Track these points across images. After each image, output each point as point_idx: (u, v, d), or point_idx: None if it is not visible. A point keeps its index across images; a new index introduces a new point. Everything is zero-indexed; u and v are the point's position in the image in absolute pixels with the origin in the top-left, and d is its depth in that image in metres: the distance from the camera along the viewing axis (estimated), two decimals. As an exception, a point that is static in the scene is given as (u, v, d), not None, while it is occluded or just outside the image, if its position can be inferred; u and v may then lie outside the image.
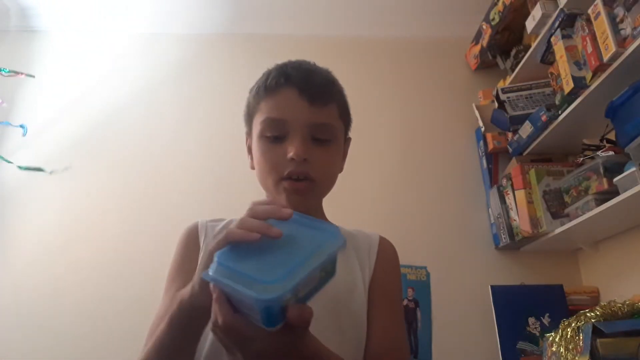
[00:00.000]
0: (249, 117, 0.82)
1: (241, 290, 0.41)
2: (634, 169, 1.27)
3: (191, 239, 0.82)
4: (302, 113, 0.74)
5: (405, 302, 1.77)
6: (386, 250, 0.89)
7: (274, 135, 0.74)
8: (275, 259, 0.45)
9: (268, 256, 0.45)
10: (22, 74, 2.03)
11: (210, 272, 0.44)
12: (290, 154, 0.71)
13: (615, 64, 1.31)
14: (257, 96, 0.79)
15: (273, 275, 0.42)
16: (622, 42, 1.30)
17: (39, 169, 1.98)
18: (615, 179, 1.34)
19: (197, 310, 0.53)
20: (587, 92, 1.45)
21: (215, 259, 0.45)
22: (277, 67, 0.80)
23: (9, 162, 1.96)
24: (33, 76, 2.12)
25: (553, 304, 1.72)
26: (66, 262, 1.89)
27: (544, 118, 1.67)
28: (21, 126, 1.99)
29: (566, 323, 1.18)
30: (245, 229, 0.47)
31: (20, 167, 1.98)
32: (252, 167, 0.82)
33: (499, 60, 2.15)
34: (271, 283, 0.41)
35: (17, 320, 1.79)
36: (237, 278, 0.42)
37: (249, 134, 0.84)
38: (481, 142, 2.08)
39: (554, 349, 1.20)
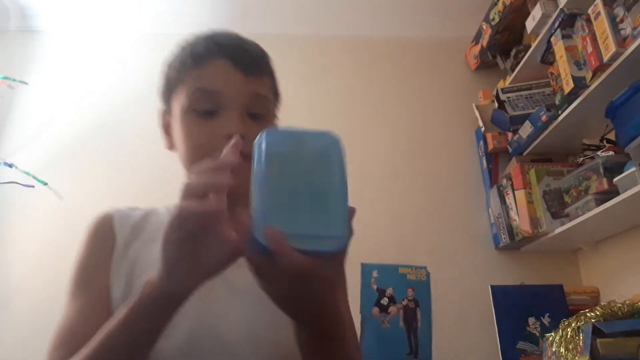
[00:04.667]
0: (168, 92, 0.73)
1: (314, 248, 0.41)
2: (634, 169, 1.27)
3: (103, 228, 0.71)
4: (238, 85, 0.66)
5: (405, 302, 1.77)
6: None
7: (205, 110, 0.66)
8: (312, 197, 0.42)
9: (304, 198, 0.42)
10: (13, 81, 2.00)
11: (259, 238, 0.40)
12: (227, 131, 0.62)
13: (615, 64, 1.31)
14: (182, 67, 0.70)
15: (335, 227, 0.41)
16: (622, 42, 1.30)
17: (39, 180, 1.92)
18: (615, 179, 1.34)
19: (168, 301, 0.48)
20: (587, 92, 1.45)
21: (258, 225, 0.40)
22: (204, 37, 0.72)
23: (43, 182, 1.90)
24: (26, 83, 2.10)
25: (553, 304, 1.72)
26: (66, 263, 1.89)
27: (544, 118, 1.67)
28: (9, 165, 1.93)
29: (566, 323, 1.18)
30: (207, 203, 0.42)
31: (25, 173, 1.93)
32: (170, 147, 0.74)
33: (499, 60, 2.15)
34: (338, 237, 0.41)
35: (17, 320, 1.79)
36: (295, 239, 0.40)
37: (166, 111, 0.75)
38: (481, 142, 2.08)
39: (554, 349, 1.20)
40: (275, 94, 0.76)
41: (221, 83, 0.66)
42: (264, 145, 0.43)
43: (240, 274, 0.61)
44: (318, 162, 0.43)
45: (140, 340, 0.49)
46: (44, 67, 2.29)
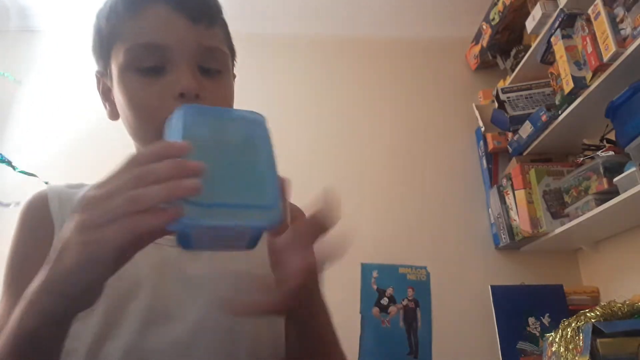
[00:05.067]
0: (103, 50, 0.60)
1: (245, 224, 0.37)
2: (634, 169, 1.27)
3: (37, 213, 0.61)
4: (186, 35, 0.56)
5: (405, 302, 1.77)
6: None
7: (149, 67, 0.55)
8: (237, 174, 0.39)
9: (227, 174, 0.38)
10: (6, 77, 1.99)
11: (184, 218, 0.35)
12: (179, 89, 0.53)
13: (615, 64, 1.31)
14: (114, 18, 0.58)
15: (264, 196, 0.38)
16: (622, 42, 1.30)
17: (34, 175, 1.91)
18: (615, 179, 1.34)
19: (71, 296, 0.38)
20: (587, 92, 1.45)
21: (184, 203, 0.35)
22: None
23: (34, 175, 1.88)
24: (19, 82, 2.09)
25: (553, 304, 1.72)
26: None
27: (544, 118, 1.68)
28: (9, 163, 1.92)
29: (566, 323, 1.18)
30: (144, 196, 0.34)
31: (21, 171, 1.93)
32: (113, 117, 0.64)
33: (499, 60, 2.15)
34: (269, 207, 0.38)
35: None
36: (221, 212, 0.36)
37: (102, 73, 0.63)
38: (481, 142, 2.08)
39: (554, 349, 1.20)
40: (231, 47, 0.66)
41: (164, 34, 0.55)
42: (180, 125, 0.39)
43: (196, 266, 0.59)
44: (241, 148, 0.40)
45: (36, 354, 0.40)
46: (44, 67, 2.29)
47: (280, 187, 0.40)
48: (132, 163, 0.38)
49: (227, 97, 0.62)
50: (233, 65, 0.67)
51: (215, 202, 0.36)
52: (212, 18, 0.60)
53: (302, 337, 0.52)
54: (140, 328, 0.53)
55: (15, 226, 0.62)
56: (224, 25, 0.64)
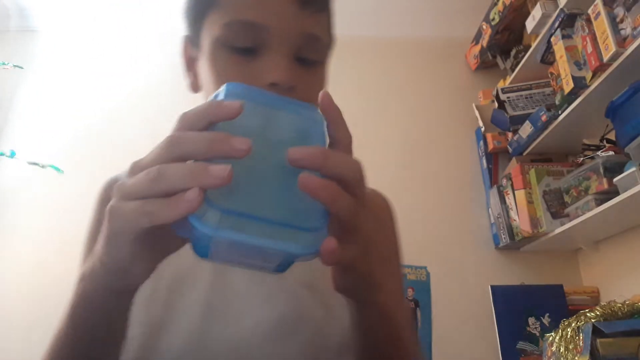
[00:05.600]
0: (198, 17, 0.55)
1: (277, 247, 0.30)
2: (634, 169, 1.27)
3: (108, 193, 0.60)
4: (290, 18, 0.50)
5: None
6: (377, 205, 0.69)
7: (244, 47, 0.50)
8: (280, 180, 0.31)
9: (268, 178, 0.31)
10: (7, 66, 1.98)
11: (209, 225, 0.29)
12: (271, 78, 0.48)
13: (615, 64, 1.31)
14: None
15: (308, 216, 0.31)
16: (622, 42, 1.30)
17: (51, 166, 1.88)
18: (615, 179, 1.34)
19: (118, 297, 0.38)
20: (587, 92, 1.45)
21: (207, 204, 0.29)
22: None
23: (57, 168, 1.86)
24: (22, 67, 2.08)
25: (553, 304, 1.72)
26: (64, 264, 1.89)
27: (544, 118, 1.67)
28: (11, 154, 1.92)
29: (566, 323, 1.18)
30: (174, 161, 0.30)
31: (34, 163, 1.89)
32: (194, 89, 0.60)
33: (499, 60, 2.15)
34: (311, 230, 0.31)
35: (14, 321, 1.79)
36: (250, 226, 0.29)
37: (192, 40, 0.58)
38: (481, 142, 2.08)
39: (554, 349, 1.20)
40: (332, 36, 0.61)
41: (267, 14, 0.50)
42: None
43: None
44: (292, 144, 0.32)
45: (94, 343, 0.40)
46: (44, 67, 2.29)
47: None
48: (178, 123, 0.33)
49: None
50: (331, 54, 0.60)
51: (246, 212, 0.29)
52: (322, 3, 0.55)
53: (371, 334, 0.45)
54: (200, 322, 0.51)
55: (92, 207, 0.64)
56: (330, 12, 0.59)
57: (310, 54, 0.53)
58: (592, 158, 1.55)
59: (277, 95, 0.37)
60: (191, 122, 0.32)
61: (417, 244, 1.90)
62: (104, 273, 0.35)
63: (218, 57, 0.51)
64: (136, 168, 0.32)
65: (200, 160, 0.30)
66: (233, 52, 0.50)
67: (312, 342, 0.52)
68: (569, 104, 1.54)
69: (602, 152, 1.53)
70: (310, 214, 0.31)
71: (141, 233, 0.32)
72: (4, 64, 1.98)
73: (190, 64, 0.60)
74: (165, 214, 0.29)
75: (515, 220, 1.79)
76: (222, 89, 0.35)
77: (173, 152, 0.31)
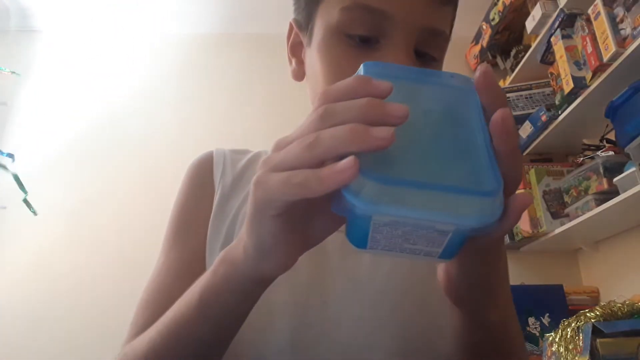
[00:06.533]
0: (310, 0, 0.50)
1: (448, 218, 0.25)
2: (634, 169, 1.27)
3: (202, 173, 0.60)
4: (417, 9, 0.46)
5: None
6: None
7: (362, 35, 0.46)
8: (442, 147, 0.28)
9: (427, 146, 0.28)
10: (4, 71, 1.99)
11: (368, 200, 0.25)
12: None
13: (615, 64, 1.31)
14: None
15: (481, 177, 0.26)
16: (622, 42, 1.30)
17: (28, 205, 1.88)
18: (615, 179, 1.34)
19: (257, 284, 0.36)
20: (587, 92, 1.45)
21: (363, 176, 0.25)
22: None
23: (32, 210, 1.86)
24: (19, 74, 2.08)
25: (553, 304, 1.72)
26: (63, 264, 1.89)
27: (544, 118, 1.68)
28: (9, 155, 1.93)
29: (566, 323, 1.18)
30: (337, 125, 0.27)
31: (23, 193, 1.89)
32: (298, 77, 0.56)
33: (499, 60, 2.15)
34: (489, 193, 0.26)
35: (13, 321, 1.79)
36: (416, 196, 0.25)
37: (301, 25, 0.53)
38: (481, 142, 2.08)
39: (554, 349, 1.20)
40: (452, 30, 0.55)
41: (394, 1, 0.45)
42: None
43: (360, 262, 0.53)
44: (445, 118, 0.30)
45: (219, 327, 0.39)
46: (44, 67, 2.29)
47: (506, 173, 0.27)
48: (323, 99, 0.29)
49: None
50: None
51: (409, 178, 0.26)
52: None
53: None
54: (298, 322, 0.49)
55: (181, 183, 0.60)
56: (456, 6, 0.53)
57: (432, 49, 0.48)
58: (592, 158, 1.55)
59: (419, 69, 0.34)
60: (337, 99, 0.29)
61: (417, 244, 1.91)
62: (244, 258, 0.33)
63: (332, 45, 0.47)
64: (282, 143, 0.30)
65: None
66: (349, 41, 0.47)
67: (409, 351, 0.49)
68: (569, 104, 1.54)
69: (602, 152, 1.53)
70: (482, 176, 0.27)
71: (287, 209, 0.29)
72: (1, 69, 1.98)
73: (295, 49, 0.55)
74: (314, 186, 0.26)
75: (515, 220, 1.79)
76: (361, 69, 0.32)
77: (326, 121, 0.27)
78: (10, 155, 1.90)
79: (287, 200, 0.28)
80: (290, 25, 0.56)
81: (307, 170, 0.27)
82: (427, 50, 0.47)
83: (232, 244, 0.36)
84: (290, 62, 0.57)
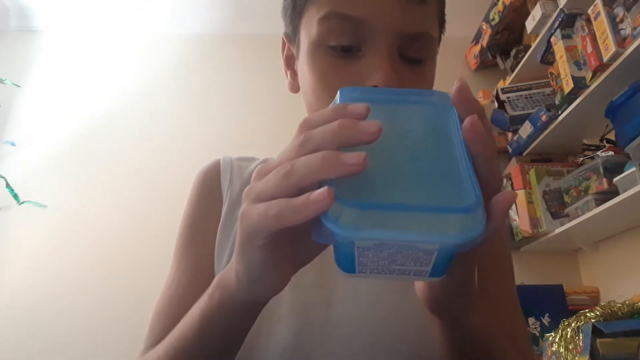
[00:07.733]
0: (295, 12, 0.52)
1: (431, 238, 0.25)
2: (634, 169, 1.27)
3: (209, 182, 0.60)
4: (394, 13, 0.45)
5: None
6: None
7: (343, 46, 0.46)
8: (421, 167, 0.28)
9: (407, 166, 0.28)
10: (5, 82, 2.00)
11: (348, 227, 0.25)
12: (374, 80, 0.44)
13: (615, 64, 1.31)
14: None
15: (461, 193, 0.26)
16: (622, 42, 1.30)
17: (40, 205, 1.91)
18: (615, 179, 1.34)
19: (250, 308, 0.37)
20: (587, 92, 1.45)
21: (341, 203, 0.25)
22: None
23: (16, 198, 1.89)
24: (19, 86, 2.10)
25: (553, 304, 1.72)
26: (63, 264, 1.89)
27: (544, 118, 1.68)
28: (11, 143, 1.94)
29: (566, 323, 1.18)
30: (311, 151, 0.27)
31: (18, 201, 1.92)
32: (293, 90, 0.57)
33: (499, 60, 2.15)
34: (469, 209, 0.25)
35: (13, 322, 1.79)
36: (397, 218, 0.25)
37: (291, 38, 0.55)
38: (481, 142, 2.08)
39: (554, 349, 1.20)
40: (441, 25, 0.53)
41: (369, 7, 0.45)
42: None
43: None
44: (424, 138, 0.30)
45: (219, 348, 0.40)
46: (44, 68, 2.29)
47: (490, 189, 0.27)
48: (302, 126, 0.30)
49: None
50: (439, 46, 0.53)
51: (387, 202, 0.25)
52: None
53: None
54: (302, 324, 0.49)
55: (190, 193, 0.61)
56: (437, 2, 0.51)
57: (415, 51, 0.47)
58: (592, 158, 1.55)
59: (394, 89, 0.35)
60: (315, 127, 0.29)
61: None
62: (236, 284, 0.34)
63: (316, 57, 0.48)
64: (263, 171, 0.30)
65: None
66: (332, 52, 0.47)
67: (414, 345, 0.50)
68: (569, 104, 1.54)
69: (602, 152, 1.53)
70: (461, 192, 0.26)
71: (271, 238, 0.29)
72: (1, 80, 1.99)
73: (289, 62, 0.57)
74: (291, 216, 0.26)
75: (515, 220, 1.79)
76: (337, 96, 0.33)
77: (304, 148, 0.28)
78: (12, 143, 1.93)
79: (271, 231, 0.29)
80: (283, 39, 0.58)
81: (282, 200, 0.27)
82: (411, 53, 0.47)
83: (225, 269, 0.37)
84: (286, 75, 0.58)
